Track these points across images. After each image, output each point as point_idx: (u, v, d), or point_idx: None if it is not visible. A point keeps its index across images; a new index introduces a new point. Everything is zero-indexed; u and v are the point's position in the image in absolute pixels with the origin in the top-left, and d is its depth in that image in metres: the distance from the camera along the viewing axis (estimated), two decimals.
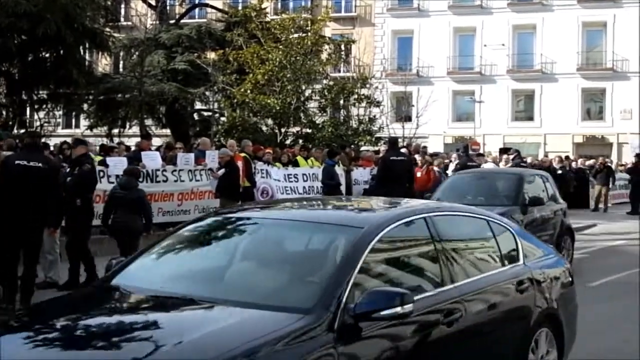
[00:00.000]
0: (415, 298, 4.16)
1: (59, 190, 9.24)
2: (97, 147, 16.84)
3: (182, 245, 4.97)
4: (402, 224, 4.75)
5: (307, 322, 3.78)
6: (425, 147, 24.53)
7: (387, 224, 4.60)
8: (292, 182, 17.21)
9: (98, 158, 13.77)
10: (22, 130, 21.47)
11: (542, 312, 5.58)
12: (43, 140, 13.52)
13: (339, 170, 17.35)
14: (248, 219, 5.17)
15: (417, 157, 19.52)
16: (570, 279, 6.22)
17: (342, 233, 4.53)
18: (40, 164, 8.64)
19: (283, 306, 3.94)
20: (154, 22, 30.24)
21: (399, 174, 14.12)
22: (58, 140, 19.30)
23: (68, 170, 10.50)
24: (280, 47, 23.24)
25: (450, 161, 20.15)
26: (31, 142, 9.06)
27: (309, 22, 25.26)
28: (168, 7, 32.71)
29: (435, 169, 18.92)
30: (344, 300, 3.93)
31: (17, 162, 8.70)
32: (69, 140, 14.69)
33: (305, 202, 6.68)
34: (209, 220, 5.27)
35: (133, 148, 16.77)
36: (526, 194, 12.25)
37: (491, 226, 5.61)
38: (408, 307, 3.96)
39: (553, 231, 12.60)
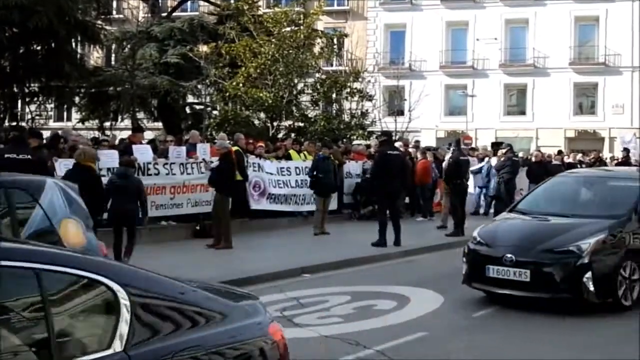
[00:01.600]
0: None
1: None
2: (89, 140, 16.80)
3: None
4: None
5: None
6: (418, 141, 24.67)
7: None
8: (284, 175, 17.40)
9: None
10: (14, 123, 21.41)
11: None
12: None
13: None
14: None
15: (411, 150, 19.70)
16: None
17: None
18: (28, 156, 8.89)
19: None
20: (146, 15, 30.15)
21: (396, 168, 14.16)
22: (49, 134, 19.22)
23: None
24: (273, 40, 23.21)
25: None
26: (19, 136, 9.37)
27: (302, 16, 25.23)
28: (160, 0, 32.60)
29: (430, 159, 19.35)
30: None
31: (6, 155, 8.92)
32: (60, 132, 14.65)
33: None
34: None
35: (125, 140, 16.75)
36: None
37: (41, 281, 2.93)
38: None
39: None
